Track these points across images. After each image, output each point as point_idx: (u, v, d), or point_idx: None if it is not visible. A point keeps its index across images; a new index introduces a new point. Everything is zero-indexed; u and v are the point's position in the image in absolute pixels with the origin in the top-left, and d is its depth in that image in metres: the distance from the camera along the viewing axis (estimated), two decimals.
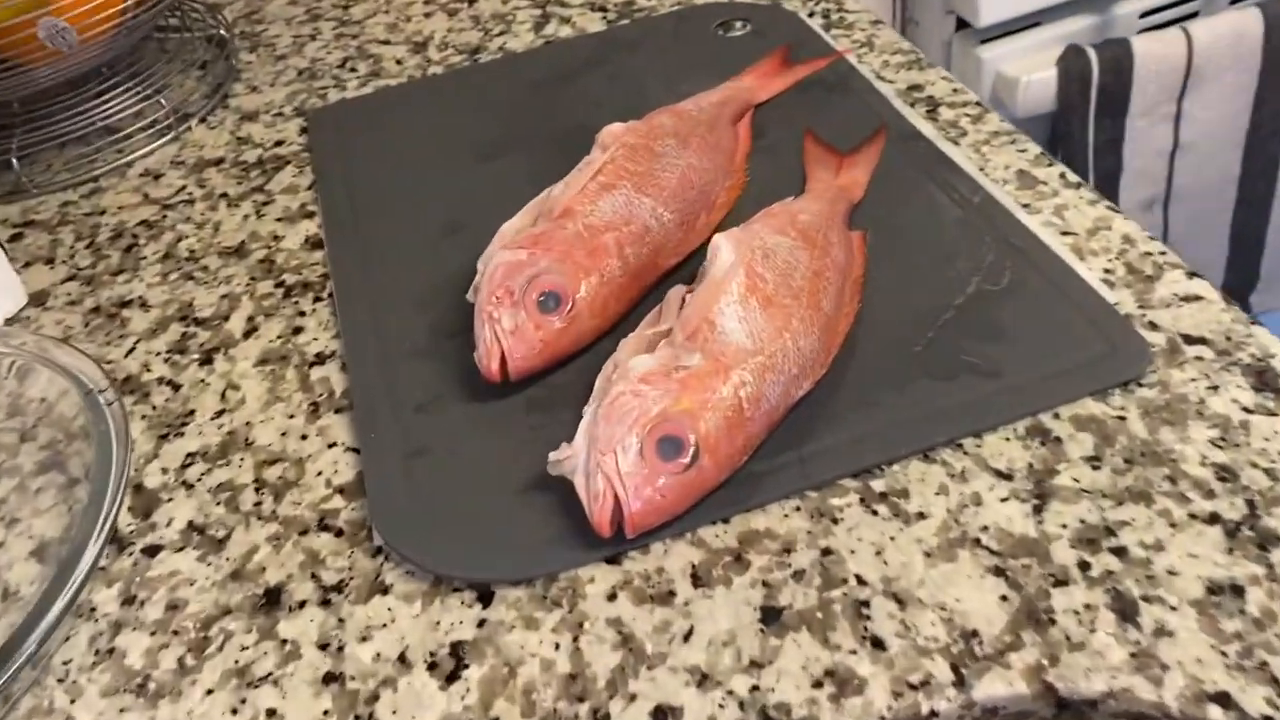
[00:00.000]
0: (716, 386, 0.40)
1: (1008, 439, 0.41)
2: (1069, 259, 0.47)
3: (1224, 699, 0.32)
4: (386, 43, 0.76)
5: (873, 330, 0.46)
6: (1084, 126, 0.93)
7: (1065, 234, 0.49)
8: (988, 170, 0.54)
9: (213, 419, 0.48)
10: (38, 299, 0.57)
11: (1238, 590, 0.35)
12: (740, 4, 0.71)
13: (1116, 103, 0.93)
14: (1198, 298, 0.45)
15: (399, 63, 0.73)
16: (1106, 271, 0.47)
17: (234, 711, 0.37)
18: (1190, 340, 0.43)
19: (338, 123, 0.67)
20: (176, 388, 0.50)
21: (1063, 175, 0.53)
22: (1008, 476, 0.40)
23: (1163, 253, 0.48)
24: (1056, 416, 0.42)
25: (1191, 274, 0.46)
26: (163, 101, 0.69)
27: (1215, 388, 0.41)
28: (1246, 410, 0.40)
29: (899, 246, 0.50)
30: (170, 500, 0.45)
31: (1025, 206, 0.51)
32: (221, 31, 0.78)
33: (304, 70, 0.75)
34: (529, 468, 0.42)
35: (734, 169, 0.55)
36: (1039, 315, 0.45)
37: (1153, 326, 0.44)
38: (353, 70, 0.73)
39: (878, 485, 0.40)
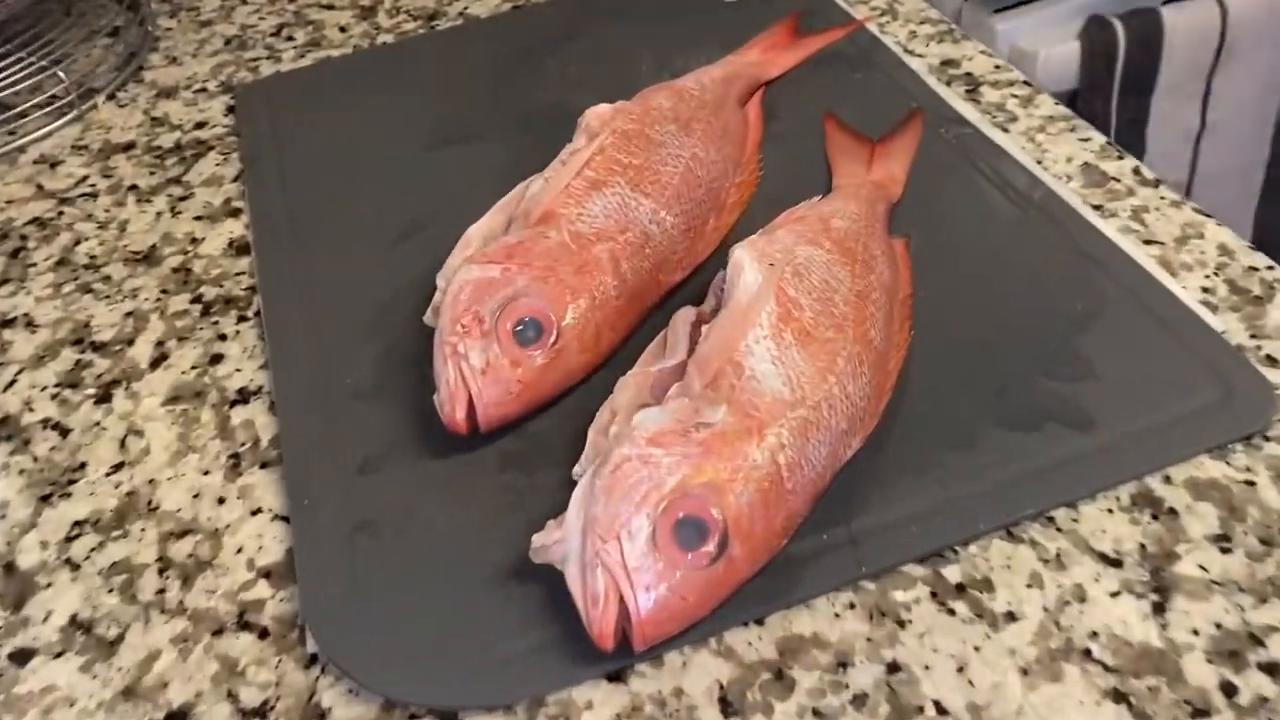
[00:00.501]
0: (749, 450, 0.31)
1: (1110, 510, 0.33)
2: (1159, 275, 0.39)
3: None
4: (329, 7, 0.66)
5: (928, 366, 0.37)
6: (1107, 106, 0.86)
7: (1149, 243, 0.41)
8: (1046, 163, 0.45)
9: (109, 475, 0.39)
10: None
11: None
12: None
13: (1143, 80, 0.86)
14: None
15: (343, 30, 0.63)
16: (1205, 291, 0.39)
17: None
18: None
19: (270, 101, 0.57)
20: (65, 433, 0.41)
21: (1137, 170, 0.44)
22: (1116, 562, 0.31)
23: (1270, 267, 0.39)
24: (1168, 480, 0.33)
25: None
26: (63, 74, 0.59)
27: None
28: None
29: (947, 256, 0.41)
30: (49, 586, 0.35)
31: (1096, 209, 0.43)
32: None
33: (232, 39, 0.64)
34: (505, 548, 0.33)
35: (745, 160, 0.46)
36: (1132, 347, 0.37)
37: (1271, 361, 0.36)
38: (289, 39, 0.63)
39: (952, 574, 0.32)
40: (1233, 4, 0.84)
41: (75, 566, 0.36)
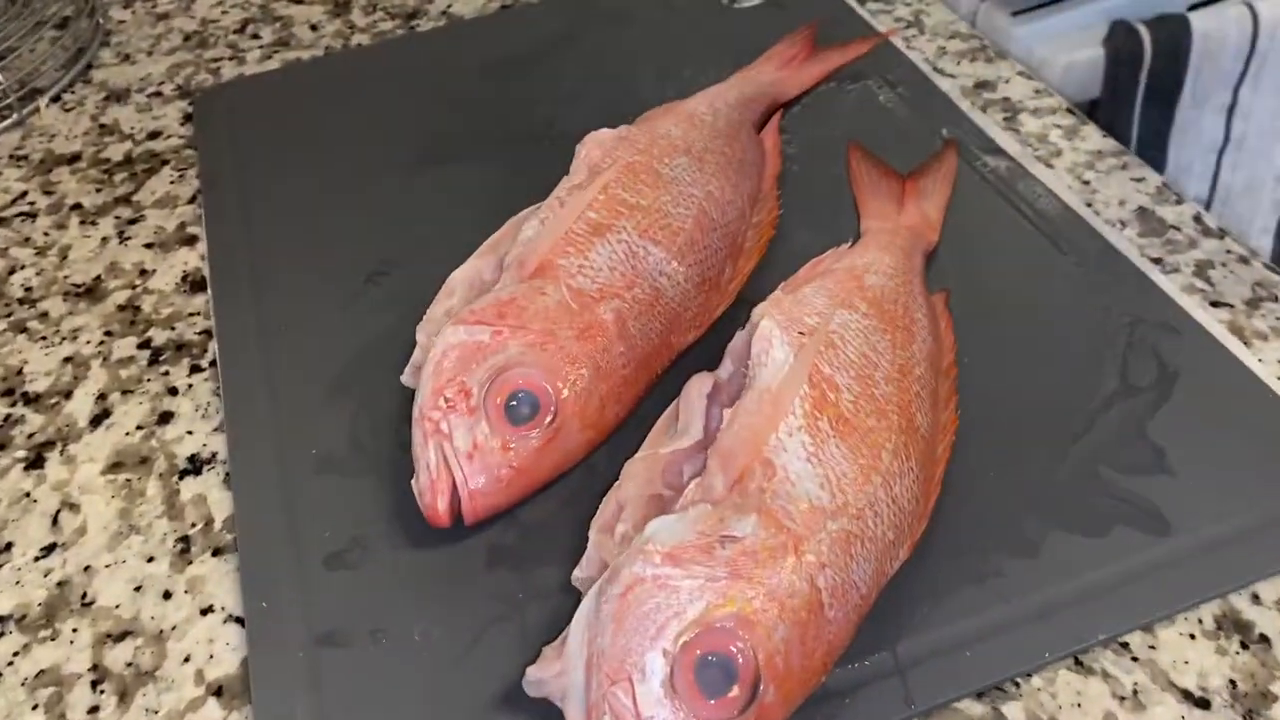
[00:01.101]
0: (784, 573, 0.27)
1: (1192, 636, 0.28)
2: (1232, 345, 0.35)
3: None
4: (299, 2, 0.60)
5: (976, 453, 0.33)
6: (1130, 116, 0.81)
7: (1216, 305, 0.37)
8: (1097, 206, 0.41)
9: (37, 559, 0.34)
10: None
11: None
12: None
13: (1168, 90, 0.81)
14: None
15: (314, 29, 0.58)
16: None
17: None
18: None
19: (233, 109, 0.51)
20: None
21: (1198, 218, 0.40)
22: (1203, 703, 0.27)
23: None
24: (1256, 600, 0.29)
25: None
26: (1, 76, 0.53)
27: None
28: None
29: (990, 316, 0.37)
30: None
31: (1157, 263, 0.38)
32: None
33: (192, 35, 0.59)
34: (494, 669, 0.29)
35: (764, 196, 0.41)
36: (1208, 435, 0.32)
37: None
38: (255, 37, 0.58)
39: (1013, 712, 0.27)
40: (1264, 10, 0.80)
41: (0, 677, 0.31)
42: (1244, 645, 0.28)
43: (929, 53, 0.50)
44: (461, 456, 0.31)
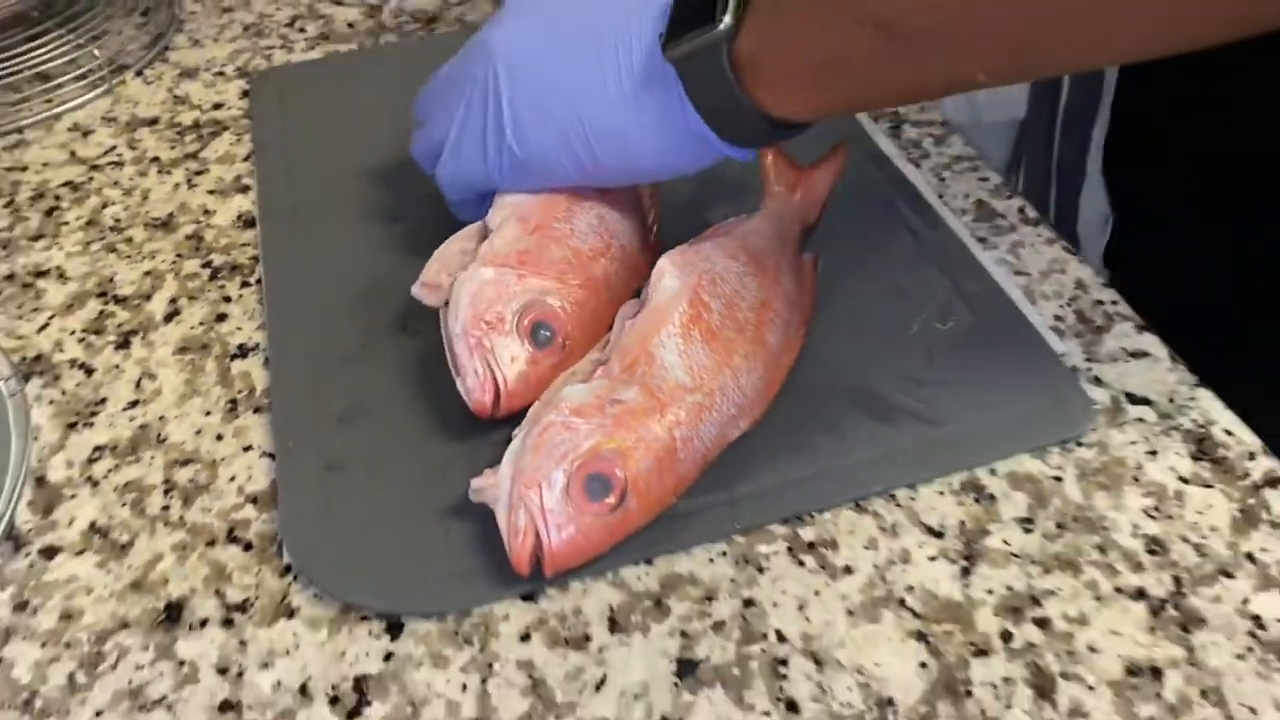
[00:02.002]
0: (650, 424, 0.39)
1: (942, 493, 0.40)
2: (1020, 302, 0.46)
3: None
4: (340, 3, 0.73)
5: (814, 365, 0.44)
6: (1050, 133, 0.93)
7: (1019, 274, 0.48)
8: (946, 198, 0.53)
9: (125, 410, 0.46)
10: None
11: (1156, 673, 0.35)
12: None
13: (1086, 110, 0.93)
14: (1145, 354, 0.45)
15: (351, 26, 0.70)
16: (1057, 319, 0.46)
17: None
18: (1134, 400, 0.43)
19: (281, 89, 0.64)
20: (90, 371, 0.48)
21: (1022, 210, 0.52)
22: (938, 534, 0.39)
23: (1114, 302, 0.47)
24: (993, 473, 0.41)
25: (1141, 328, 0.46)
26: (97, 52, 0.66)
27: (1154, 453, 0.41)
28: (1183, 480, 0.40)
29: (849, 276, 0.49)
30: (73, 497, 0.43)
31: (981, 241, 0.50)
32: None
33: (250, 26, 0.71)
34: (451, 491, 0.40)
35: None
36: (985, 361, 0.44)
37: (1098, 382, 0.44)
38: (301, 30, 0.70)
39: (807, 534, 0.39)
40: None
41: (95, 483, 0.43)
42: (976, 500, 0.40)
43: None
44: (502, 366, 0.41)
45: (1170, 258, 0.60)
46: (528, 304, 0.42)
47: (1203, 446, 0.41)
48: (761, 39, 0.36)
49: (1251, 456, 0.40)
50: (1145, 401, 0.43)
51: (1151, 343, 0.45)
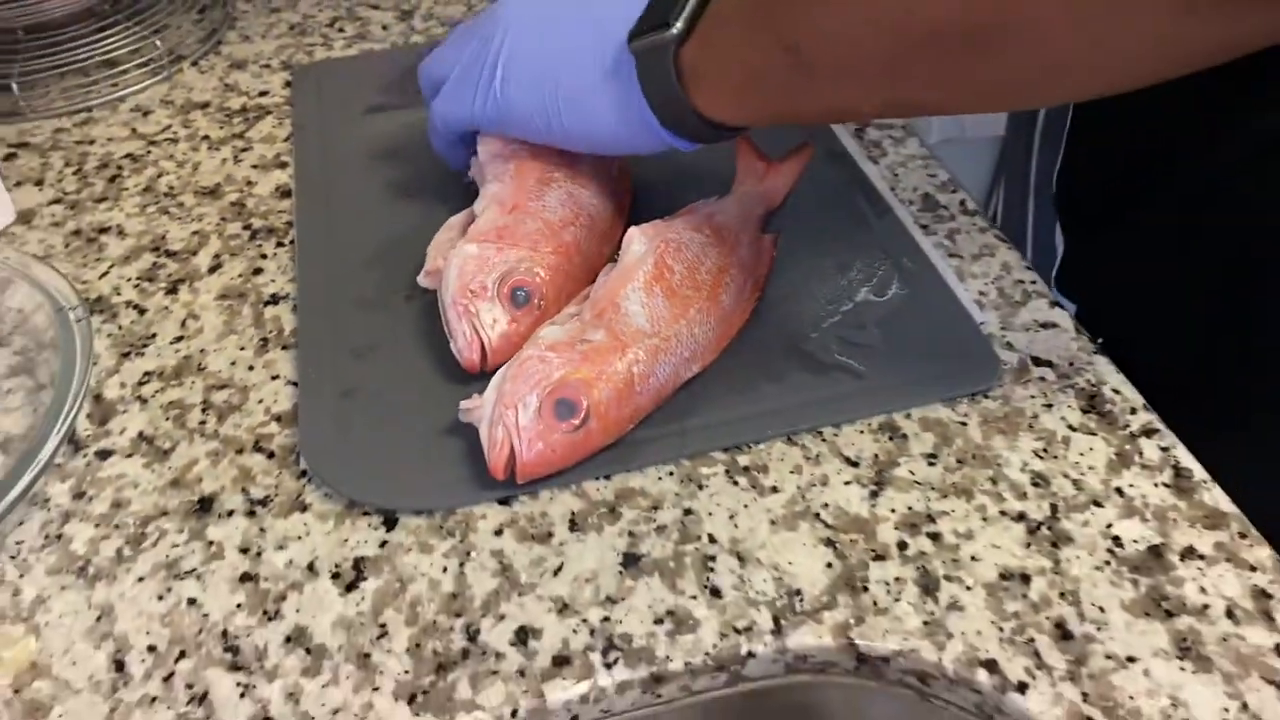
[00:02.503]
0: (612, 361, 0.45)
1: (862, 432, 0.47)
2: (950, 279, 0.53)
3: (992, 665, 0.38)
4: (376, 7, 0.81)
5: (765, 325, 0.51)
6: (1028, 153, 0.99)
7: (953, 256, 0.55)
8: (898, 190, 0.59)
9: (171, 343, 0.54)
10: (25, 217, 0.63)
11: (1025, 578, 0.41)
12: None
13: (1058, 126, 0.99)
14: (1054, 325, 0.51)
15: (385, 28, 0.78)
16: (981, 294, 0.53)
17: (160, 598, 0.42)
18: (1038, 362, 0.49)
19: (319, 80, 0.72)
20: (142, 312, 0.56)
21: (962, 202, 0.58)
22: (855, 464, 0.45)
23: (1033, 282, 0.53)
24: (908, 416, 0.47)
25: (1054, 304, 0.52)
26: (159, 43, 0.74)
27: (1050, 405, 0.47)
28: (1071, 428, 0.46)
29: (805, 253, 0.55)
30: (125, 412, 0.50)
31: (924, 228, 0.57)
32: None
33: (295, 25, 0.79)
34: (445, 416, 0.47)
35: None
36: (912, 327, 0.51)
37: (1009, 347, 0.50)
38: (340, 30, 0.78)
39: (743, 460, 0.46)
40: None
41: (144, 401, 0.51)
42: (890, 439, 0.46)
43: None
44: (485, 328, 0.49)
45: (1118, 287, 0.65)
46: (506, 272, 0.49)
47: (1092, 402, 0.47)
48: (702, 47, 0.43)
49: (1133, 411, 0.47)
50: (1048, 364, 0.49)
51: (1061, 316, 0.51)
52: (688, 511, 0.44)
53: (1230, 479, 0.48)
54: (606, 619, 0.41)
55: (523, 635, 0.40)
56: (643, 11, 0.45)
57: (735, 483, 0.45)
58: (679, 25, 0.43)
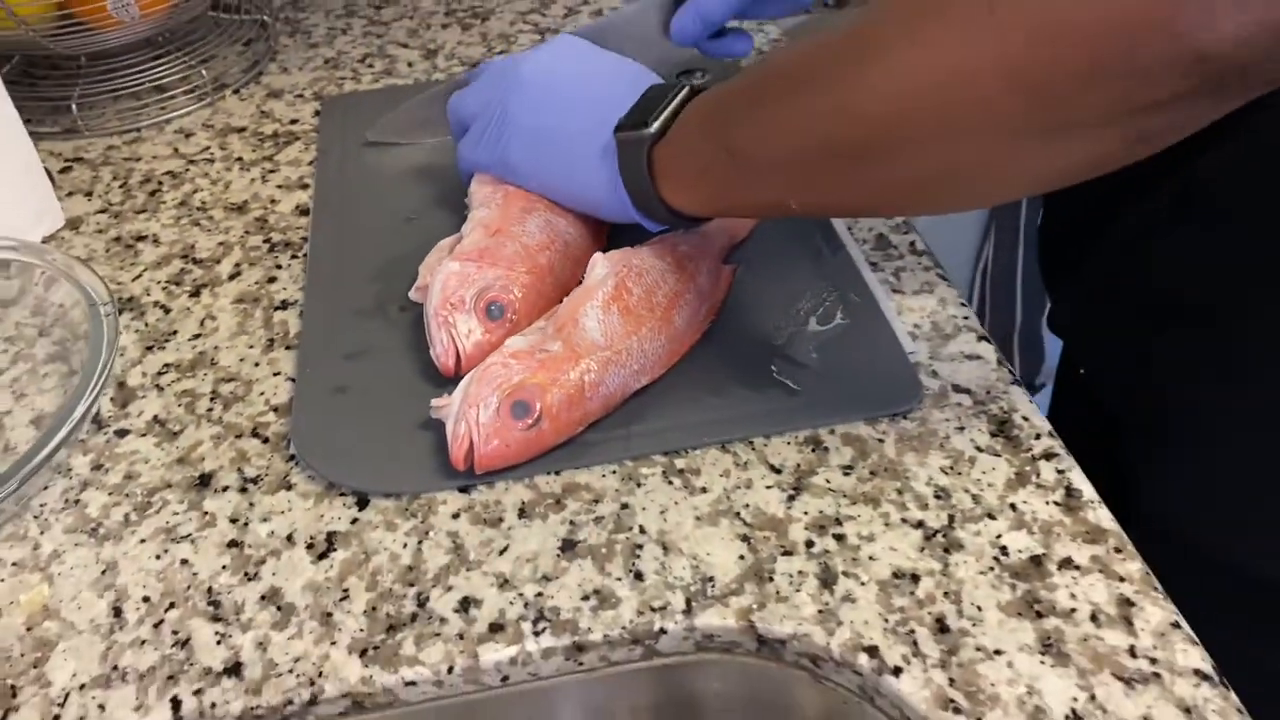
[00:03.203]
0: (567, 370, 0.51)
1: (789, 443, 0.52)
2: (889, 313, 0.58)
3: (873, 650, 0.43)
4: (405, 46, 0.88)
5: (716, 344, 0.57)
6: (1018, 200, 1.03)
7: (896, 291, 0.60)
8: (854, 230, 0.65)
9: (190, 340, 0.60)
10: (73, 224, 0.70)
11: (915, 578, 0.46)
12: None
13: None
14: (978, 357, 0.56)
15: (410, 65, 0.85)
16: (915, 326, 0.58)
17: (157, 558, 0.49)
18: (958, 389, 0.54)
19: (346, 111, 0.79)
20: (167, 311, 0.62)
21: (912, 244, 0.63)
22: (778, 471, 0.51)
23: (966, 318, 0.58)
24: (832, 432, 0.52)
25: (982, 338, 0.57)
26: (204, 72, 0.82)
27: (962, 428, 0.52)
28: (978, 449, 0.51)
29: (762, 282, 0.61)
30: (144, 397, 0.57)
31: (873, 265, 0.62)
32: (266, 17, 0.90)
33: (330, 59, 0.87)
34: (420, 413, 0.53)
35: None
36: (848, 353, 0.56)
37: (934, 375, 0.55)
38: (370, 66, 0.85)
39: (680, 463, 0.51)
40: None
41: (161, 389, 0.57)
42: (813, 451, 0.51)
43: None
44: (461, 337, 0.54)
45: (1095, 327, 0.69)
46: (483, 288, 0.55)
47: (1002, 427, 0.52)
48: (668, 146, 0.50)
49: (1038, 437, 0.51)
50: (967, 391, 0.54)
51: (986, 349, 0.56)
52: (624, 506, 0.49)
53: (1201, 497, 0.52)
54: (540, 594, 0.46)
55: (465, 604, 0.46)
56: (633, 105, 0.52)
57: (670, 482, 0.50)
58: (655, 126, 0.50)
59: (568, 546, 0.48)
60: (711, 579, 0.46)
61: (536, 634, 0.45)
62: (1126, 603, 0.44)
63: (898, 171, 0.41)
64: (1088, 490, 0.49)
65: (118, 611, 0.47)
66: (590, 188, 0.56)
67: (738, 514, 0.49)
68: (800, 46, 0.44)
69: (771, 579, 0.46)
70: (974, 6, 0.35)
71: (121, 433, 0.55)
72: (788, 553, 0.47)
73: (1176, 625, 0.44)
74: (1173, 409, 0.61)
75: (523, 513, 0.50)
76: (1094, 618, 0.44)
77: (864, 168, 0.42)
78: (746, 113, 0.46)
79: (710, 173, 0.49)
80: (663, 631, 0.45)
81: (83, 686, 0.44)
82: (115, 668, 0.45)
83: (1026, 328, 1.09)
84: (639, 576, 0.46)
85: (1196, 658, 0.42)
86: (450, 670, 0.44)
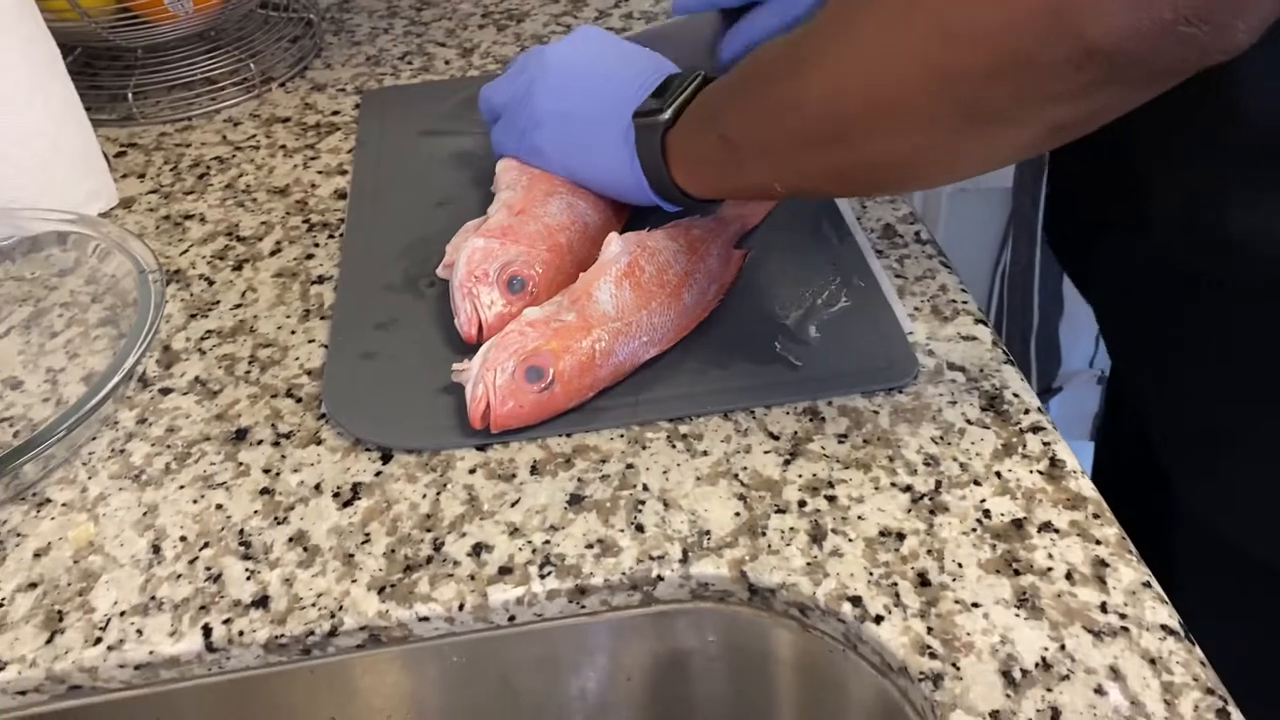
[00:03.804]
0: (579, 338, 0.54)
1: (788, 413, 0.55)
2: (891, 296, 0.61)
3: (856, 600, 0.46)
4: (443, 45, 0.92)
5: (723, 321, 0.60)
6: (1035, 205, 1.05)
7: (899, 276, 0.63)
8: (863, 220, 0.67)
9: (231, 309, 0.64)
10: (126, 203, 0.74)
11: (900, 536, 0.48)
12: None
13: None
14: (974, 338, 0.58)
15: (447, 63, 0.89)
16: (916, 309, 0.60)
17: (194, 502, 0.52)
18: (952, 367, 0.57)
19: (384, 104, 0.83)
20: (211, 283, 0.67)
21: (917, 233, 0.66)
22: (776, 438, 0.53)
23: (964, 302, 0.61)
24: (830, 404, 0.55)
25: (979, 320, 0.59)
26: (253, 65, 0.86)
27: (954, 402, 0.55)
28: (969, 422, 0.54)
29: (771, 267, 0.64)
30: (187, 360, 0.61)
31: (879, 253, 0.65)
32: (313, 15, 0.94)
33: (371, 56, 0.91)
34: (443, 377, 0.57)
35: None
36: (850, 332, 0.58)
37: (930, 354, 0.58)
38: (409, 63, 0.89)
39: (684, 429, 0.54)
40: None
41: (203, 353, 0.61)
42: (810, 420, 0.54)
43: None
44: (484, 308, 0.58)
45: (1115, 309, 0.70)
46: (506, 263, 0.59)
47: (992, 402, 0.55)
48: (679, 132, 0.54)
49: (1026, 412, 0.54)
50: (961, 369, 0.56)
51: (982, 331, 0.59)
52: (629, 466, 0.53)
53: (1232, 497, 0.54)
54: (547, 542, 0.49)
55: (477, 549, 0.49)
56: (650, 93, 0.56)
57: (674, 446, 0.53)
58: (669, 113, 0.54)
59: (575, 501, 0.51)
60: (708, 532, 0.49)
61: (542, 577, 0.48)
62: (1101, 563, 0.47)
63: (854, 157, 0.44)
64: (1071, 461, 0.51)
65: (156, 549, 0.50)
66: (610, 170, 0.59)
67: (736, 475, 0.52)
68: (783, 39, 0.47)
69: (764, 534, 0.49)
70: (895, 8, 0.39)
71: (165, 391, 0.59)
72: (781, 511, 0.50)
73: (1147, 584, 0.46)
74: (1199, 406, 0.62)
75: (534, 470, 0.53)
76: (1069, 576, 0.46)
77: (825, 154, 0.45)
78: (734, 102, 0.50)
79: (709, 157, 0.53)
80: (660, 578, 0.48)
81: (123, 613, 0.48)
82: (153, 598, 0.48)
83: (1044, 330, 1.11)
84: (640, 529, 0.49)
85: (1164, 615, 0.45)
86: (461, 608, 0.47)
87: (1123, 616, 0.45)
